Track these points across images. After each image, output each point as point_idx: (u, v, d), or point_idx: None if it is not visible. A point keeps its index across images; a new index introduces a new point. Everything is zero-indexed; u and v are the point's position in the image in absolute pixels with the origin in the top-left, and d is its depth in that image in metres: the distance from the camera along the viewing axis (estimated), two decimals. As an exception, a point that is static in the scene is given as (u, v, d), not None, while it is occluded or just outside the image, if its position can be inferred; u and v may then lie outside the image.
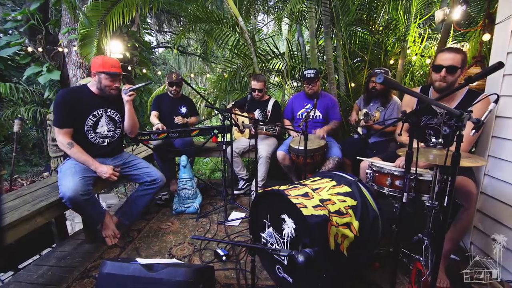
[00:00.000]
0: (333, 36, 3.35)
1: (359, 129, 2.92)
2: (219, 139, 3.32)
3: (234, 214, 2.58)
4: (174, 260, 1.62)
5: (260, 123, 2.43)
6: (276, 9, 5.23)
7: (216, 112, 2.40)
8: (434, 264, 1.21)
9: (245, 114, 2.87)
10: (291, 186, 1.63)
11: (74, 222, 3.65)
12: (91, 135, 2.07)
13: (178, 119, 3.02)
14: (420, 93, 1.96)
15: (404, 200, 1.24)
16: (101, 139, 2.13)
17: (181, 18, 7.94)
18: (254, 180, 2.94)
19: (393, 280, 1.35)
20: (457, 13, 2.61)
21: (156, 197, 2.92)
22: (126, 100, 2.11)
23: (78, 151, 1.98)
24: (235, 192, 3.02)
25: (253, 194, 2.96)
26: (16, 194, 1.87)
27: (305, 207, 1.40)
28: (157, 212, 2.71)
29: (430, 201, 1.46)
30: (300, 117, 2.96)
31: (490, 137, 1.82)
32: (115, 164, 2.17)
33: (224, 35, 3.97)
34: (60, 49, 3.92)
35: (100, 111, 2.09)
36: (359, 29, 3.73)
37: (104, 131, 2.13)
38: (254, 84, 2.98)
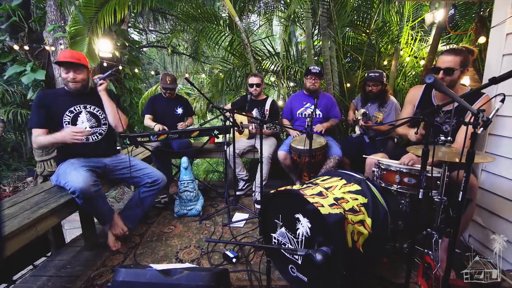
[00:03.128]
0: (328, 37, 3.40)
1: (357, 128, 3.00)
2: (219, 140, 3.28)
3: (237, 215, 2.56)
4: (187, 265, 1.58)
5: (266, 123, 2.42)
6: (268, 9, 5.24)
7: (220, 112, 2.35)
8: (449, 256, 1.26)
9: (249, 114, 2.87)
10: (304, 186, 1.64)
11: (65, 229, 3.49)
12: None
13: (181, 126, 2.97)
14: (424, 90, 2.05)
15: (420, 197, 1.28)
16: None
17: (169, 17, 7.79)
18: (256, 180, 2.95)
19: (408, 274, 1.39)
20: (445, 16, 2.73)
21: (155, 200, 2.84)
22: (99, 90, 2.05)
23: (46, 136, 1.91)
24: (237, 193, 3.00)
25: (254, 195, 2.95)
26: (11, 201, 1.75)
27: (322, 206, 1.41)
28: (157, 215, 2.64)
29: (439, 197, 1.52)
30: (300, 116, 2.98)
31: (487, 135, 1.92)
32: (112, 164, 2.13)
33: (218, 34, 3.93)
34: (47, 48, 3.72)
35: (77, 107, 2.02)
36: (350, 31, 3.82)
37: (86, 128, 2.03)
38: (252, 79, 2.98)
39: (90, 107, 2.07)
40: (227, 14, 4.44)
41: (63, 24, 3.85)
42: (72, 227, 3.59)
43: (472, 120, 1.12)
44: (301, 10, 2.95)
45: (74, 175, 1.79)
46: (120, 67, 4.36)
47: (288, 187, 1.69)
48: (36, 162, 3.95)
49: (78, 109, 2.02)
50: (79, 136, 1.86)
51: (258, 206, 2.70)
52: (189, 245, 2.13)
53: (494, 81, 0.92)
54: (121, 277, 1.29)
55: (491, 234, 1.92)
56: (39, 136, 1.90)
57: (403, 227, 1.89)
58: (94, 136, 2.07)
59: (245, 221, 2.44)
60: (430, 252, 1.58)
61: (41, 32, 4.09)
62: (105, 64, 3.97)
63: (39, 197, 1.84)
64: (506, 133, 1.77)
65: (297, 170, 2.97)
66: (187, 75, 5.41)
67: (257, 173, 2.96)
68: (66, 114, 1.98)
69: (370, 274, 1.73)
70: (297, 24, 4.04)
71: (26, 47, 3.70)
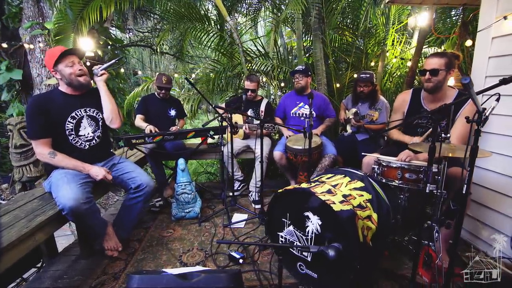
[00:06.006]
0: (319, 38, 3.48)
1: (348, 127, 3.09)
2: (214, 141, 3.25)
3: (236, 216, 2.55)
4: (198, 267, 1.56)
5: (268, 123, 2.44)
6: (254, 10, 5.25)
7: (218, 113, 2.33)
8: (453, 245, 1.34)
9: (246, 114, 2.87)
10: (313, 184, 1.67)
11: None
12: (75, 140, 1.87)
13: (175, 130, 2.91)
14: (412, 94, 2.16)
15: (427, 191, 1.35)
16: (87, 142, 1.92)
17: (150, 15, 7.56)
18: (252, 180, 2.95)
19: (415, 265, 1.46)
20: (431, 19, 2.90)
21: (150, 204, 2.76)
22: (98, 81, 1.90)
23: (64, 158, 1.79)
24: (232, 194, 2.98)
25: (251, 195, 2.95)
26: (3, 209, 1.63)
27: (334, 203, 1.45)
28: (153, 219, 2.56)
29: (439, 191, 1.60)
30: (294, 115, 3.02)
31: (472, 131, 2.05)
32: (106, 167, 1.99)
33: (206, 34, 3.89)
34: (26, 45, 3.48)
35: (79, 111, 1.88)
36: (338, 33, 3.93)
37: (88, 133, 1.92)
38: (248, 84, 2.97)
39: (90, 110, 1.93)
40: (215, 14, 4.42)
41: (41, 21, 3.63)
42: (56, 236, 3.39)
43: (476, 118, 1.20)
44: (295, 12, 3.00)
45: (65, 191, 1.64)
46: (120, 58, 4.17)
47: (296, 185, 1.72)
48: (14, 167, 3.68)
49: (80, 114, 1.88)
50: (108, 178, 1.86)
51: (258, 206, 2.71)
52: (191, 248, 2.09)
53: (505, 81, 0.99)
54: (135, 284, 1.24)
55: (479, 224, 2.07)
56: (44, 150, 1.75)
57: (401, 221, 1.98)
58: (93, 141, 1.96)
59: (245, 222, 2.44)
60: (431, 244, 1.67)
61: (16, 29, 3.83)
62: (88, 63, 3.79)
63: (33, 204, 1.73)
64: (493, 130, 1.91)
65: (292, 169, 3.01)
66: (176, 75, 5.29)
67: (253, 173, 2.97)
68: (69, 121, 1.83)
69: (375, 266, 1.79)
70: (288, 25, 4.09)
71: (5, 45, 3.44)
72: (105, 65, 1.89)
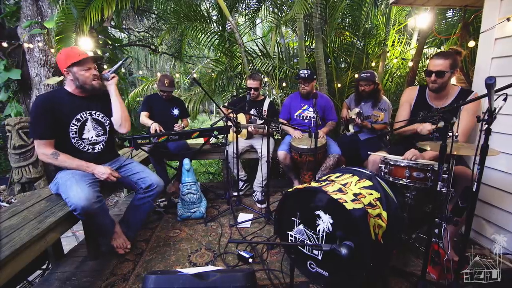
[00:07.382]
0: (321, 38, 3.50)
1: (350, 127, 3.11)
2: (218, 141, 3.24)
3: (242, 216, 2.56)
4: (211, 267, 1.56)
5: (274, 123, 2.45)
6: (254, 10, 5.26)
7: (223, 113, 2.34)
8: (462, 242, 1.37)
9: (250, 114, 2.87)
10: (323, 183, 1.68)
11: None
12: (78, 143, 1.84)
13: (177, 128, 2.91)
14: (418, 93, 2.19)
15: (438, 189, 1.38)
16: (90, 146, 1.90)
17: (149, 15, 7.51)
18: (256, 180, 2.96)
19: (425, 263, 1.48)
20: (433, 20, 2.95)
21: (154, 204, 2.75)
22: (109, 84, 1.88)
23: (67, 158, 1.77)
24: (236, 193, 2.98)
25: (255, 195, 2.96)
26: (10, 211, 1.61)
27: (346, 201, 1.46)
28: (159, 220, 2.55)
29: (447, 188, 1.63)
30: (298, 117, 3.03)
31: (479, 130, 2.09)
32: (112, 168, 1.97)
33: (206, 34, 3.88)
34: (25, 45, 3.42)
35: (84, 114, 1.86)
36: (339, 33, 3.96)
37: (92, 137, 1.89)
38: (250, 83, 2.98)
39: (95, 113, 1.90)
40: (216, 14, 4.41)
41: (40, 20, 3.57)
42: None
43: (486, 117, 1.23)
44: (298, 13, 3.01)
45: (76, 191, 1.62)
46: (105, 66, 4.13)
47: (306, 184, 1.73)
48: (12, 168, 3.62)
49: (85, 117, 1.86)
50: (113, 178, 1.81)
51: (263, 206, 2.71)
52: (199, 248, 2.09)
53: (518, 81, 1.02)
54: (152, 284, 1.24)
55: (482, 221, 2.11)
56: (47, 150, 1.72)
57: (408, 219, 2.01)
58: (99, 145, 1.94)
59: (251, 221, 2.44)
60: (439, 241, 1.70)
61: (14, 28, 3.76)
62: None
63: (41, 205, 1.71)
64: (499, 129, 1.95)
65: (296, 169, 3.03)
66: (177, 75, 5.27)
67: (257, 173, 2.98)
68: (73, 123, 1.80)
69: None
70: (289, 25, 4.11)
71: (5, 44, 3.38)
72: (114, 68, 1.86)
